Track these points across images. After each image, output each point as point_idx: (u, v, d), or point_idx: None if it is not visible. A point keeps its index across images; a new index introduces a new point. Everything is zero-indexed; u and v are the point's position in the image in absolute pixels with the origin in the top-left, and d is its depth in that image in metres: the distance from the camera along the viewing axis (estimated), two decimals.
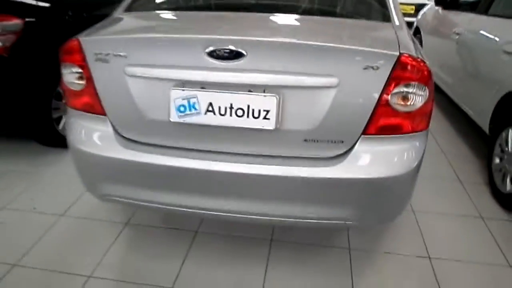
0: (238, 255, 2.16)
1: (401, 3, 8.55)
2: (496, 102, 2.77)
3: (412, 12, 8.25)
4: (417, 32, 5.11)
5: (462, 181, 2.94)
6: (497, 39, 2.93)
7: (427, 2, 7.22)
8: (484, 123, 3.00)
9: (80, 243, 2.22)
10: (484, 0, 3.50)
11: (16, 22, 2.74)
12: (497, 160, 2.76)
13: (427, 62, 1.57)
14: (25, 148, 3.24)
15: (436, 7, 4.48)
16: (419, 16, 5.26)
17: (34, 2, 3.03)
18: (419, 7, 7.33)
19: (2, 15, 2.70)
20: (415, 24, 5.27)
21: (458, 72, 3.61)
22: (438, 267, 2.11)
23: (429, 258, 2.18)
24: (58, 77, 2.99)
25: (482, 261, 2.17)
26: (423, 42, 4.75)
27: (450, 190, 2.83)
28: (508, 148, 2.61)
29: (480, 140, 3.29)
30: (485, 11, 3.39)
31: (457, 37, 3.62)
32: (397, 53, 1.48)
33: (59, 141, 3.16)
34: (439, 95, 4.38)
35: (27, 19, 2.80)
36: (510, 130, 2.61)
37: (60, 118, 3.15)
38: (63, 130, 3.16)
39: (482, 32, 3.25)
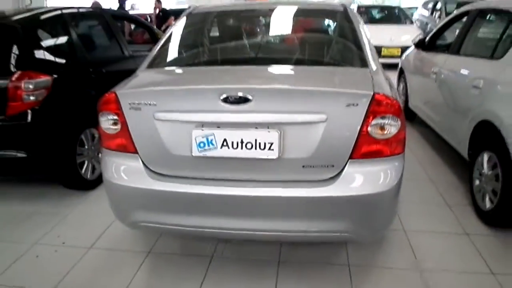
0: (250, 275, 2.42)
1: (389, 47, 9.20)
2: (471, 130, 3.13)
3: (399, 54, 8.80)
4: (401, 72, 5.58)
5: (449, 203, 3.25)
6: (467, 75, 3.34)
7: (411, 44, 7.77)
8: (463, 150, 3.34)
9: (108, 272, 2.48)
10: (455, 42, 3.96)
11: (46, 78, 3.14)
12: (477, 182, 3.09)
13: (398, 99, 1.95)
14: (50, 191, 3.54)
15: (416, 50, 4.97)
16: (402, 58, 5.75)
17: (60, 60, 3.46)
18: (404, 49, 7.88)
19: (35, 72, 3.09)
20: (399, 65, 5.74)
21: (439, 107, 4.01)
22: (429, 277, 2.37)
23: (420, 270, 2.45)
24: (82, 125, 3.41)
25: (468, 270, 2.44)
26: (407, 81, 5.20)
27: (437, 212, 3.13)
28: (484, 170, 2.95)
29: (463, 167, 3.61)
30: (457, 52, 3.84)
31: (435, 75, 4.05)
32: (372, 93, 1.86)
33: (82, 184, 3.49)
34: (425, 129, 4.78)
35: (55, 76, 3.21)
36: (484, 155, 2.96)
37: (83, 163, 3.48)
38: (86, 174, 3.49)
39: (455, 70, 3.69)
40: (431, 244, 2.70)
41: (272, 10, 3.13)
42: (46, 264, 2.58)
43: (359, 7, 11.57)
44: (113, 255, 2.65)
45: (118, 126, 2.05)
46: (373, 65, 2.32)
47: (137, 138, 2.03)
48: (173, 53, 2.79)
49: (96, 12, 4.65)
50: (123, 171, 2.09)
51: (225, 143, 1.90)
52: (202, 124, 1.92)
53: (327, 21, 3.29)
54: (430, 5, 11.58)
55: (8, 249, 2.71)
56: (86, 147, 3.51)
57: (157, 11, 11.12)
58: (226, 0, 15.03)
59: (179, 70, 2.54)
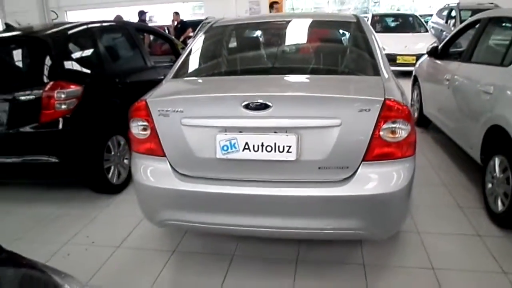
0: (269, 273, 2.56)
1: (404, 54, 9.27)
2: (483, 135, 3.22)
3: (414, 62, 8.86)
4: (416, 80, 5.67)
5: (461, 206, 3.33)
6: (478, 82, 3.44)
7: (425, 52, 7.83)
8: (476, 154, 3.43)
9: (135, 269, 2.65)
10: (467, 50, 4.06)
11: (77, 88, 3.35)
12: (489, 185, 3.17)
13: (408, 105, 2.08)
14: (78, 195, 3.74)
15: (429, 58, 5.07)
16: (416, 66, 5.84)
17: (89, 71, 3.68)
18: (419, 57, 7.94)
19: (67, 82, 3.31)
20: (413, 73, 5.83)
21: (451, 113, 4.10)
22: (441, 276, 2.47)
23: (433, 269, 2.54)
24: (109, 132, 3.61)
25: (479, 269, 2.53)
26: (421, 89, 5.29)
27: (450, 215, 3.21)
28: (496, 174, 3.03)
29: (475, 170, 3.69)
30: (468, 59, 3.94)
31: (447, 82, 4.15)
32: (383, 99, 2.00)
33: (109, 188, 3.69)
34: (439, 135, 4.86)
35: (85, 86, 3.42)
36: (496, 158, 3.05)
37: (109, 168, 3.68)
38: (112, 178, 3.69)
39: (466, 77, 3.79)
40: (444, 245, 2.79)
41: (288, 22, 3.30)
42: (77, 262, 2.75)
43: (373, 16, 11.66)
44: (140, 253, 2.81)
45: (148, 132, 2.23)
46: (385, 73, 2.45)
47: (165, 142, 2.21)
48: (196, 63, 2.98)
49: (120, 25, 4.89)
50: (152, 173, 2.26)
51: (246, 146, 2.06)
52: (226, 129, 2.08)
53: (341, 32, 3.44)
54: (445, 13, 11.60)
55: (40, 249, 2.89)
56: (113, 153, 3.70)
57: (175, 23, 11.45)
58: (241, 12, 15.40)
59: (202, 80, 2.73)
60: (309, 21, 3.35)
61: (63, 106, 3.26)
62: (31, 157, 3.32)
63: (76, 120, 3.34)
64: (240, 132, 2.07)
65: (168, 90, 2.49)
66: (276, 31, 3.42)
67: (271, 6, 10.40)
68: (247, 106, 2.03)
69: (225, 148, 2.07)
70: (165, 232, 3.00)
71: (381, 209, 2.08)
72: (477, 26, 4.08)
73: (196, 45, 3.05)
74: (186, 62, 2.86)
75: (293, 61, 3.11)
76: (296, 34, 3.27)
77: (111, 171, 3.69)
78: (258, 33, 3.54)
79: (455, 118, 4.00)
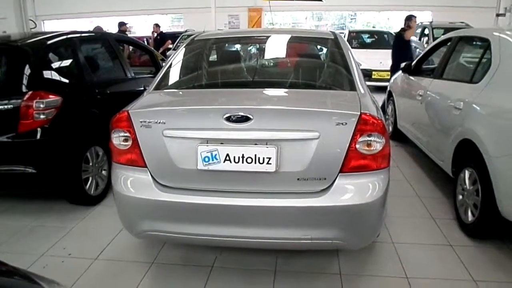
0: (248, 283, 2.58)
1: (379, 70, 9.54)
2: (454, 149, 3.37)
3: (388, 77, 9.13)
4: (390, 95, 5.85)
5: (434, 218, 3.45)
6: (449, 98, 3.60)
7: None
8: (447, 167, 3.57)
9: (113, 281, 2.62)
10: (439, 67, 4.25)
11: (56, 98, 3.33)
12: (460, 197, 3.30)
13: (383, 119, 2.18)
14: (54, 206, 3.68)
15: (403, 74, 5.26)
16: (391, 81, 6.04)
17: (68, 81, 3.66)
18: None
19: (46, 92, 3.28)
20: (388, 88, 6.03)
21: (424, 127, 4.26)
22: (414, 284, 2.55)
23: (407, 278, 2.63)
24: (88, 143, 3.58)
25: (451, 277, 2.62)
26: (396, 103, 5.47)
27: (424, 226, 3.32)
28: (466, 186, 3.16)
29: (447, 183, 3.83)
30: (440, 76, 4.11)
31: (420, 98, 4.32)
32: (358, 113, 2.09)
33: (86, 200, 3.65)
34: (413, 148, 5.02)
35: (64, 96, 3.39)
36: (466, 171, 3.18)
37: (87, 179, 3.64)
38: (90, 189, 3.65)
39: (438, 93, 3.96)
40: (417, 254, 2.89)
41: (268, 37, 3.39)
42: (53, 274, 2.66)
43: (350, 32, 11.98)
44: (118, 265, 2.79)
45: (129, 143, 2.25)
46: (361, 89, 2.55)
47: (147, 153, 2.23)
48: (178, 76, 3.02)
49: (100, 36, 4.89)
50: (133, 183, 2.27)
51: (227, 158, 2.10)
52: (207, 141, 2.13)
53: (319, 48, 3.55)
54: (419, 31, 12.05)
55: (16, 260, 2.77)
56: (91, 164, 3.68)
57: (155, 34, 11.48)
58: (220, 25, 15.56)
59: (184, 92, 2.77)
60: (288, 36, 3.46)
61: (42, 116, 3.23)
62: (6, 167, 3.26)
63: (55, 130, 3.31)
64: (221, 143, 2.11)
65: (150, 101, 2.52)
66: (256, 46, 3.51)
67: None
68: (228, 119, 2.08)
69: (206, 159, 2.11)
70: (144, 244, 2.99)
71: (358, 219, 2.15)
72: (448, 44, 4.28)
73: (178, 57, 3.09)
74: (168, 74, 2.90)
75: (273, 75, 3.20)
76: (276, 49, 3.36)
77: (89, 182, 3.65)
78: (239, 47, 3.62)
79: (427, 132, 4.15)
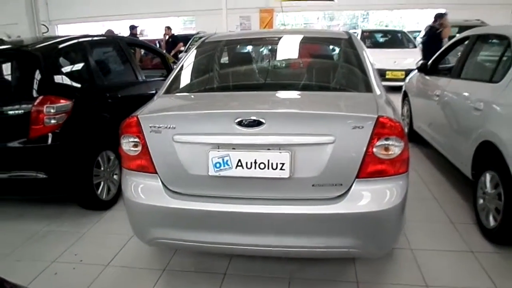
0: None
1: (393, 70, 9.39)
2: (474, 151, 3.24)
3: (403, 77, 8.96)
4: (405, 95, 5.73)
5: (454, 222, 3.33)
6: (468, 98, 3.48)
7: (415, 67, 7.94)
8: (467, 170, 3.45)
9: None
10: (456, 66, 4.12)
11: (67, 103, 3.31)
12: (481, 201, 3.18)
13: (401, 122, 2.08)
14: (66, 211, 3.67)
15: (419, 73, 5.13)
16: (406, 81, 5.91)
17: (79, 86, 3.63)
18: (408, 72, 8.04)
19: (57, 97, 3.26)
20: (403, 88, 5.89)
21: (442, 128, 4.14)
22: None
23: (427, 286, 2.52)
24: (99, 148, 3.56)
25: (472, 286, 2.51)
26: (411, 104, 5.34)
27: (443, 231, 3.21)
28: (487, 189, 3.04)
29: (466, 185, 3.70)
30: (458, 76, 3.99)
31: (437, 98, 4.19)
32: (376, 116, 2.00)
33: (98, 205, 3.62)
34: (429, 150, 4.89)
35: (75, 100, 3.37)
36: (487, 174, 3.06)
37: (99, 184, 3.61)
38: (101, 194, 3.63)
39: (456, 93, 3.83)
40: (437, 261, 2.78)
41: (281, 38, 3.32)
42: (64, 281, 2.68)
43: (363, 32, 11.82)
44: (129, 272, 2.75)
45: (139, 148, 2.20)
46: (377, 90, 2.46)
47: (157, 159, 2.17)
48: (188, 79, 2.97)
49: (111, 39, 4.87)
50: (143, 190, 2.22)
51: (239, 164, 2.03)
52: (218, 146, 2.06)
53: (332, 48, 3.46)
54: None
55: (27, 267, 2.82)
56: (102, 168, 3.65)
57: (167, 37, 11.50)
58: (232, 27, 15.53)
59: (195, 96, 2.71)
60: (301, 37, 3.38)
61: (53, 121, 3.21)
62: (18, 172, 3.25)
63: (66, 135, 3.28)
64: (233, 149, 2.04)
65: (160, 106, 2.47)
66: (268, 47, 3.44)
67: None
68: (240, 123, 2.02)
69: (217, 165, 2.05)
70: (155, 250, 2.94)
71: (375, 227, 2.06)
72: (466, 42, 4.15)
73: (189, 60, 3.04)
74: (178, 78, 2.85)
75: (286, 77, 3.12)
76: (289, 51, 3.29)
77: (101, 187, 3.63)
78: (250, 49, 3.55)
79: (445, 133, 4.03)
